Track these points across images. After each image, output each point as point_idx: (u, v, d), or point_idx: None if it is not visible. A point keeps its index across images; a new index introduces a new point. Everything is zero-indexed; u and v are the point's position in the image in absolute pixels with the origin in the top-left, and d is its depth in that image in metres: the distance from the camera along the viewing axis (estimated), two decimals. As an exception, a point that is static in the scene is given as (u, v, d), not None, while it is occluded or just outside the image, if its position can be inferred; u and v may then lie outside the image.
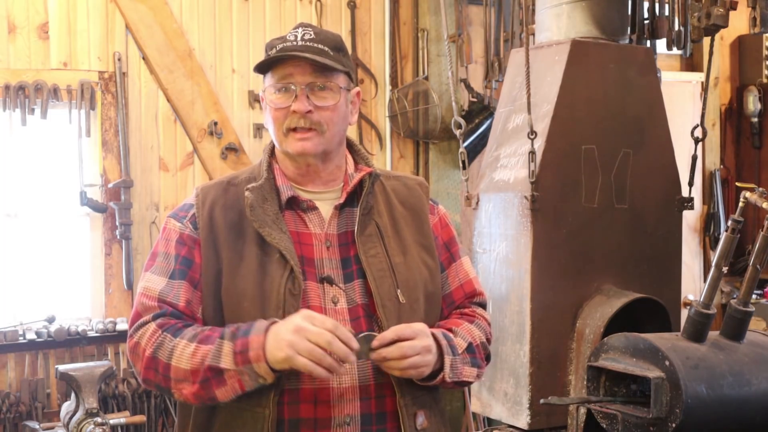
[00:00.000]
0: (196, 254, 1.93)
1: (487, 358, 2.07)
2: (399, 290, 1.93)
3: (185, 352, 1.81)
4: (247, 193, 1.92)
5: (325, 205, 1.98)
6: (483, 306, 2.13)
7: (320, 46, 1.91)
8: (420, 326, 1.87)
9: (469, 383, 2.03)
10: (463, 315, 2.07)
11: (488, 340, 2.08)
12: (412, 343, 1.82)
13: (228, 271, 1.90)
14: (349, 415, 1.87)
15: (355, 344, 1.77)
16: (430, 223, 2.08)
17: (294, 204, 1.97)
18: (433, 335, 1.91)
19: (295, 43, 1.91)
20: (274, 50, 1.92)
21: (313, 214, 1.97)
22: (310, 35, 1.93)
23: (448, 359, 1.92)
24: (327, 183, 2.00)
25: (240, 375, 1.79)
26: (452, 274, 2.09)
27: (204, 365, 1.79)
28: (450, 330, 1.99)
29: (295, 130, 1.91)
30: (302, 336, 1.74)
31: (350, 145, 2.08)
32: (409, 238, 2.02)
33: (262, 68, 1.95)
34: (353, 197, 2.00)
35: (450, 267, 2.09)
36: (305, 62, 1.89)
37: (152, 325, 1.86)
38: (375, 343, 1.81)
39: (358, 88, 2.04)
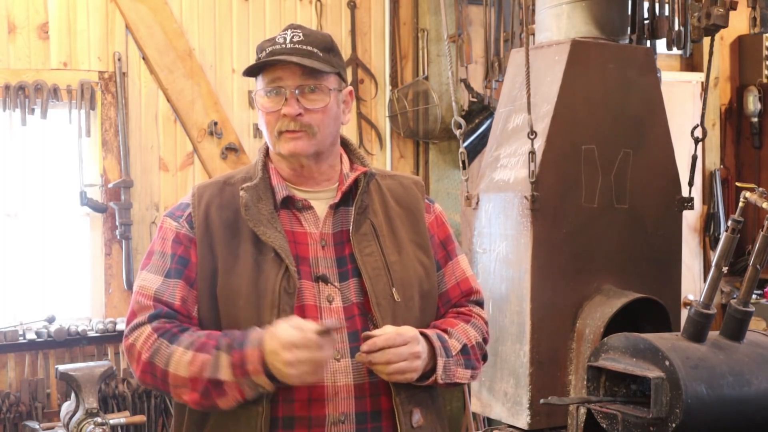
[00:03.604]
0: (193, 253, 1.94)
1: (484, 358, 2.07)
2: (394, 289, 1.94)
3: (183, 359, 1.82)
4: (242, 193, 1.93)
5: (321, 204, 1.99)
6: (480, 304, 2.13)
7: (309, 47, 1.92)
8: (412, 333, 1.87)
9: (463, 384, 2.04)
10: (459, 314, 2.08)
11: (485, 340, 2.08)
12: (398, 350, 1.83)
13: (223, 270, 1.91)
14: (344, 413, 1.88)
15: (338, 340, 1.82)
16: (425, 221, 2.09)
17: (289, 203, 1.98)
18: (427, 337, 1.92)
19: (284, 45, 1.92)
20: (263, 53, 1.94)
21: (309, 213, 1.98)
22: (299, 37, 1.93)
23: (441, 361, 1.93)
24: (322, 182, 2.01)
25: (240, 386, 1.81)
26: (448, 272, 2.09)
27: (203, 376, 1.81)
28: (445, 331, 1.99)
29: (286, 132, 1.92)
30: (298, 366, 1.76)
31: (345, 145, 2.09)
32: (405, 236, 2.03)
33: (252, 72, 1.96)
34: (348, 196, 2.00)
35: (446, 265, 2.09)
36: (294, 65, 1.90)
37: (148, 328, 1.87)
38: (365, 347, 1.83)
39: (350, 87, 2.04)
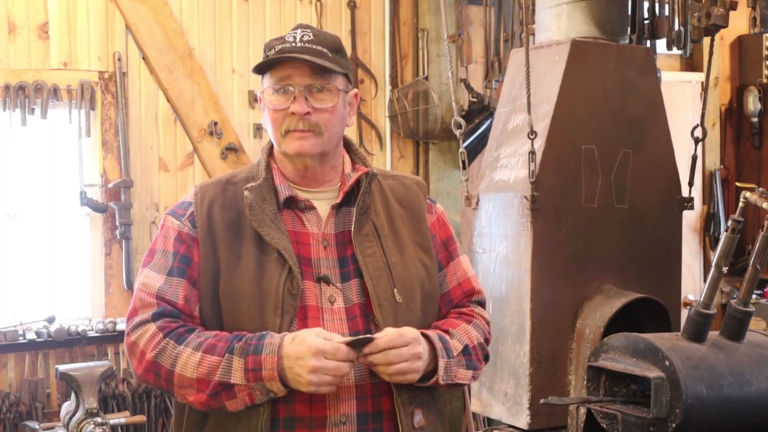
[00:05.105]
0: (195, 253, 1.93)
1: (485, 359, 2.07)
2: (396, 289, 1.94)
3: (190, 360, 1.82)
4: (246, 193, 1.93)
5: (323, 204, 1.99)
6: (482, 304, 2.13)
7: (319, 47, 1.92)
8: (413, 334, 1.87)
9: (464, 385, 2.04)
10: (461, 315, 2.07)
11: (486, 340, 2.08)
12: (399, 351, 1.83)
13: (226, 270, 1.91)
14: (345, 414, 1.88)
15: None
16: (427, 222, 2.09)
17: (292, 204, 1.98)
18: (428, 338, 1.92)
19: (294, 44, 1.92)
20: (272, 51, 1.93)
21: (311, 213, 1.98)
22: (309, 36, 1.94)
23: (442, 362, 1.93)
24: (324, 183, 2.01)
25: (251, 390, 1.81)
26: (450, 272, 2.09)
27: (213, 379, 1.81)
28: (446, 332, 1.99)
29: (293, 131, 1.92)
30: (321, 374, 1.78)
31: (348, 145, 2.09)
32: (406, 237, 2.03)
33: (261, 69, 1.96)
34: (350, 197, 2.00)
35: (448, 266, 2.10)
36: (304, 64, 1.90)
37: (152, 327, 1.86)
38: (366, 349, 1.83)
39: (356, 90, 2.05)
